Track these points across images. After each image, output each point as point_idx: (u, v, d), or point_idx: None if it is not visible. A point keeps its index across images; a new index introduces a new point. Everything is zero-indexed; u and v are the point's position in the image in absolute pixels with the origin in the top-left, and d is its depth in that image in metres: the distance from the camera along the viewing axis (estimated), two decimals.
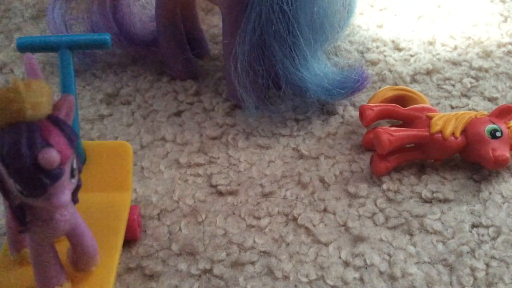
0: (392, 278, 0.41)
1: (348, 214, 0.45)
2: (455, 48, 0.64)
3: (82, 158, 0.42)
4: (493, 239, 0.43)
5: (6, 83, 0.60)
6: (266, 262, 0.42)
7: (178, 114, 0.55)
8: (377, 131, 0.47)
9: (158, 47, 0.59)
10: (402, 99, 0.54)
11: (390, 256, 0.42)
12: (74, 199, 0.33)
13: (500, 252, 0.42)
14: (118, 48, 0.61)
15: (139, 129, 0.54)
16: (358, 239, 0.43)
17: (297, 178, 0.48)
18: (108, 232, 0.39)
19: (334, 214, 0.45)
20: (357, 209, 0.46)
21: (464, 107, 0.56)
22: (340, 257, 0.42)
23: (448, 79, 0.59)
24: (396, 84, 0.59)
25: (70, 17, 0.61)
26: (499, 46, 0.64)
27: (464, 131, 0.48)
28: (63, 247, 0.36)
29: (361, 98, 0.57)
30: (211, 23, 0.68)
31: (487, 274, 0.41)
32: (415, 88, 0.57)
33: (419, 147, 0.48)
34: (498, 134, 0.47)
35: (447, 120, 0.48)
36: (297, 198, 0.47)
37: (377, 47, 0.64)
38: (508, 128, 0.48)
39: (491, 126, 0.47)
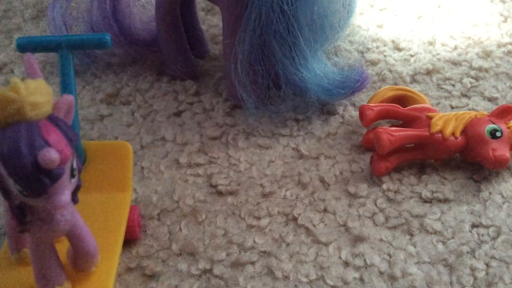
0: (392, 278, 0.41)
1: (348, 214, 0.45)
2: (455, 48, 0.64)
3: (82, 158, 0.42)
4: (493, 239, 0.43)
5: (6, 83, 0.60)
6: (266, 262, 0.42)
7: (178, 114, 0.55)
8: (377, 131, 0.47)
9: (158, 47, 0.59)
10: (402, 99, 0.54)
11: (390, 256, 0.42)
12: (74, 199, 0.33)
13: (500, 252, 0.42)
14: (118, 48, 0.61)
15: (139, 129, 0.54)
16: (358, 239, 0.43)
17: (297, 178, 0.48)
18: (108, 232, 0.39)
19: (334, 214, 0.45)
20: (357, 209, 0.46)
21: (464, 107, 0.56)
22: (340, 257, 0.42)
23: (448, 79, 0.59)
24: (396, 84, 0.59)
25: (70, 17, 0.61)
26: (499, 46, 0.64)
27: (464, 131, 0.48)
28: (63, 247, 0.36)
29: (361, 98, 0.57)
30: (211, 23, 0.68)
31: (487, 274, 0.41)
32: (415, 88, 0.57)
33: (419, 147, 0.48)
34: (498, 134, 0.47)
35: (447, 120, 0.48)
36: (297, 198, 0.47)
37: (377, 47, 0.64)
38: (508, 128, 0.48)
39: (491, 126, 0.47)
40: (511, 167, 0.49)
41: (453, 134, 0.47)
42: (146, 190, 0.48)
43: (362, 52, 0.63)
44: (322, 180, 0.48)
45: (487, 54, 0.62)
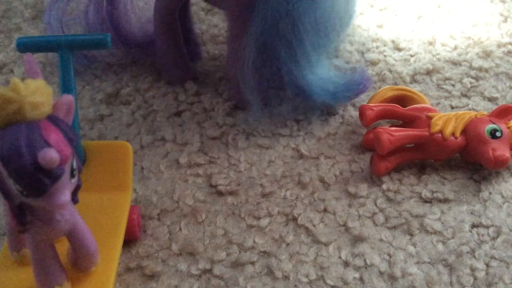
0: (392, 278, 0.41)
1: (348, 214, 0.45)
2: (455, 48, 0.64)
3: (82, 158, 0.42)
4: (493, 239, 0.43)
5: (6, 83, 0.60)
6: (266, 262, 0.42)
7: (178, 114, 0.55)
8: (377, 131, 0.47)
9: (154, 50, 0.59)
10: (402, 99, 0.54)
11: (390, 256, 0.42)
12: (74, 199, 0.33)
13: (500, 252, 0.42)
14: (115, 51, 0.61)
15: (139, 129, 0.54)
16: (358, 239, 0.43)
17: (297, 178, 0.48)
18: (108, 232, 0.39)
19: (334, 214, 0.45)
20: (357, 209, 0.46)
21: (464, 107, 0.56)
22: (340, 257, 0.42)
23: (448, 79, 0.59)
24: (396, 84, 0.59)
25: (67, 20, 0.61)
26: (499, 46, 0.64)
27: (464, 131, 0.48)
28: (63, 247, 0.36)
29: (361, 98, 0.57)
30: (211, 23, 0.68)
31: (487, 274, 0.41)
32: (415, 88, 0.57)
33: (419, 147, 0.48)
34: (498, 134, 0.47)
35: (447, 120, 0.48)
36: (297, 198, 0.47)
37: (377, 47, 0.64)
38: (508, 128, 0.48)
39: (491, 126, 0.47)
40: (511, 167, 0.49)
41: (453, 134, 0.47)
42: (146, 190, 0.48)
43: (362, 52, 0.63)
44: (322, 180, 0.48)
45: (487, 54, 0.62)
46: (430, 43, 0.65)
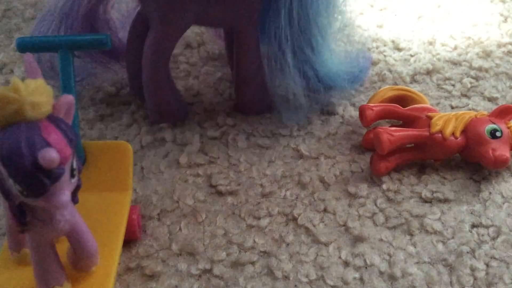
0: (392, 278, 0.41)
1: (348, 214, 0.45)
2: (455, 48, 0.64)
3: (82, 158, 0.42)
4: (493, 239, 0.43)
5: (6, 83, 0.60)
6: (266, 262, 0.42)
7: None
8: (377, 131, 0.47)
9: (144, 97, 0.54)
10: (402, 99, 0.54)
11: (390, 256, 0.42)
12: (74, 199, 0.33)
13: (500, 252, 0.42)
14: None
15: (139, 129, 0.54)
16: (358, 239, 0.43)
17: (297, 178, 0.48)
18: (108, 232, 0.39)
19: (334, 214, 0.45)
20: (357, 209, 0.46)
21: (464, 107, 0.56)
22: (340, 257, 0.42)
23: (448, 79, 0.59)
24: (396, 84, 0.59)
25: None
26: (499, 46, 0.64)
27: (464, 131, 0.48)
28: (63, 247, 0.36)
29: (361, 98, 0.57)
30: None
31: (487, 274, 0.41)
32: (415, 88, 0.57)
33: (419, 147, 0.48)
34: (498, 134, 0.47)
35: (447, 120, 0.48)
36: (297, 198, 0.47)
37: (377, 47, 0.64)
38: (508, 128, 0.48)
39: (491, 126, 0.47)
40: (511, 167, 0.49)
41: (453, 134, 0.47)
42: (146, 190, 0.48)
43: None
44: (322, 180, 0.48)
45: (487, 54, 0.62)
46: (430, 43, 0.65)
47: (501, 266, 0.41)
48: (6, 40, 0.66)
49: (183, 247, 0.43)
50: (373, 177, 0.48)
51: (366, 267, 0.42)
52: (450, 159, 0.50)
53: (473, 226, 0.44)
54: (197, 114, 0.55)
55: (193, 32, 0.66)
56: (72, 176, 0.31)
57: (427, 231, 0.44)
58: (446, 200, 0.46)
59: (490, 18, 0.69)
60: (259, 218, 0.45)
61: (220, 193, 0.47)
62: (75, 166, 0.31)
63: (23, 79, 0.29)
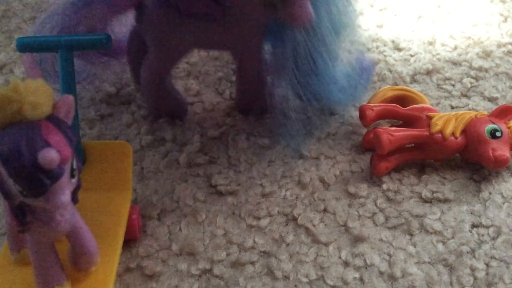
0: (392, 278, 0.41)
1: (348, 214, 0.45)
2: (455, 48, 0.64)
3: (82, 158, 0.42)
4: (493, 239, 0.43)
5: (6, 83, 0.60)
6: (266, 262, 0.42)
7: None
8: (377, 131, 0.47)
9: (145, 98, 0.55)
10: (402, 99, 0.54)
11: (390, 256, 0.42)
12: (74, 199, 0.33)
13: (500, 252, 0.42)
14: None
15: (139, 129, 0.54)
16: (358, 239, 0.43)
17: (297, 178, 0.48)
18: (108, 232, 0.39)
19: (334, 214, 0.45)
20: (357, 209, 0.46)
21: (464, 107, 0.56)
22: (340, 257, 0.42)
23: (448, 79, 0.59)
24: (396, 84, 0.59)
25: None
26: (499, 46, 0.64)
27: (464, 131, 0.48)
28: (63, 247, 0.36)
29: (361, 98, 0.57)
30: None
31: (487, 274, 0.41)
32: (415, 88, 0.57)
33: (419, 147, 0.48)
34: (498, 134, 0.47)
35: (447, 120, 0.48)
36: (297, 198, 0.47)
37: (377, 47, 0.64)
38: (508, 128, 0.48)
39: (491, 126, 0.47)
40: (511, 167, 0.49)
41: (453, 134, 0.47)
42: (146, 190, 0.48)
43: (362, 52, 0.63)
44: (322, 180, 0.48)
45: (487, 54, 0.62)
46: (430, 43, 0.65)
47: (501, 266, 0.41)
48: (6, 40, 0.66)
49: (183, 247, 0.43)
50: (373, 177, 0.48)
51: (366, 267, 0.42)
52: (450, 159, 0.50)
53: (473, 226, 0.44)
54: (197, 114, 0.55)
55: None
56: (72, 176, 0.31)
57: (427, 231, 0.44)
58: (446, 200, 0.46)
59: (490, 18, 0.69)
60: (259, 218, 0.45)
61: (220, 193, 0.47)
62: (75, 166, 0.31)
63: (23, 79, 0.29)
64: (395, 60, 0.62)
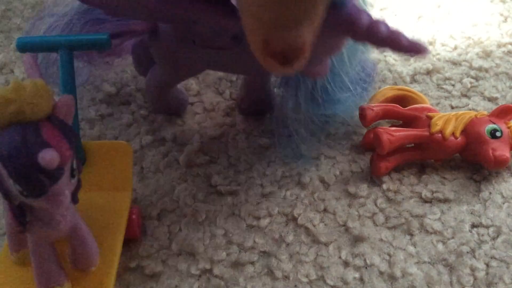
0: (392, 278, 0.41)
1: (348, 214, 0.45)
2: (455, 48, 0.64)
3: (82, 158, 0.42)
4: (493, 239, 0.43)
5: (6, 83, 0.60)
6: (266, 262, 0.42)
7: (178, 113, 0.55)
8: (377, 131, 0.47)
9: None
10: (402, 99, 0.54)
11: (390, 256, 0.42)
12: (74, 199, 0.33)
13: (500, 252, 0.42)
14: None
15: (139, 129, 0.54)
16: (358, 239, 0.43)
17: (297, 178, 0.48)
18: (108, 232, 0.39)
19: (334, 214, 0.45)
20: (357, 209, 0.46)
21: (464, 107, 0.56)
22: (340, 257, 0.42)
23: (448, 79, 0.59)
24: (396, 84, 0.59)
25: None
26: (499, 46, 0.64)
27: (464, 131, 0.48)
28: (63, 247, 0.36)
29: None
30: None
31: (487, 274, 0.41)
32: (415, 88, 0.57)
33: (419, 147, 0.48)
34: (498, 134, 0.47)
35: (447, 120, 0.48)
36: (297, 198, 0.47)
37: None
38: (508, 128, 0.48)
39: (491, 126, 0.47)
40: (511, 167, 0.49)
41: (453, 134, 0.47)
42: (146, 190, 0.48)
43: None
44: (322, 180, 0.48)
45: (487, 54, 0.62)
46: (430, 43, 0.65)
47: (501, 266, 0.41)
48: (6, 40, 0.66)
49: (183, 247, 0.43)
50: (373, 177, 0.48)
51: (366, 267, 0.42)
52: (450, 159, 0.50)
53: (473, 226, 0.44)
54: (197, 114, 0.55)
55: None
56: (72, 176, 0.31)
57: (427, 231, 0.44)
58: (446, 200, 0.46)
59: (490, 18, 0.69)
60: (259, 218, 0.45)
61: (220, 193, 0.47)
62: (75, 166, 0.31)
63: (23, 79, 0.29)
64: (395, 60, 0.62)
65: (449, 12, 0.70)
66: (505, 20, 0.68)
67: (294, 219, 0.45)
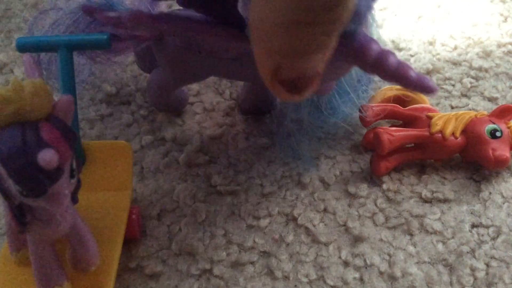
0: (392, 278, 0.41)
1: (348, 214, 0.45)
2: (455, 48, 0.64)
3: (82, 158, 0.42)
4: (493, 239, 0.43)
5: (6, 83, 0.60)
6: (266, 262, 0.42)
7: (178, 114, 0.55)
8: (377, 131, 0.47)
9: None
10: (402, 99, 0.54)
11: (390, 256, 0.42)
12: (74, 199, 0.33)
13: (500, 252, 0.42)
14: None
15: (139, 129, 0.54)
16: (358, 239, 0.43)
17: (297, 178, 0.48)
18: (108, 232, 0.39)
19: (334, 214, 0.45)
20: (357, 209, 0.46)
21: (464, 107, 0.56)
22: (340, 257, 0.42)
23: (448, 79, 0.59)
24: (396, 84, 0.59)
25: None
26: (499, 46, 0.64)
27: (464, 131, 0.48)
28: (63, 247, 0.36)
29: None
30: None
31: (487, 274, 0.41)
32: None
33: (419, 147, 0.48)
34: (498, 134, 0.47)
35: (447, 120, 0.48)
36: (297, 198, 0.47)
37: None
38: (508, 128, 0.48)
39: (491, 126, 0.47)
40: (511, 167, 0.49)
41: (453, 134, 0.47)
42: (146, 190, 0.48)
43: None
44: (322, 180, 0.48)
45: (487, 54, 0.62)
46: (430, 43, 0.65)
47: (501, 266, 0.41)
48: (6, 40, 0.66)
49: (183, 247, 0.43)
50: (373, 177, 0.48)
51: (366, 267, 0.42)
52: (450, 159, 0.50)
53: (473, 226, 0.44)
54: (197, 114, 0.55)
55: None
56: (72, 176, 0.31)
57: (427, 231, 0.44)
58: (446, 200, 0.46)
59: (490, 18, 0.69)
60: (259, 218, 0.45)
61: (220, 193, 0.47)
62: (74, 166, 0.31)
63: (23, 79, 0.29)
64: None
65: (449, 12, 0.70)
66: (505, 20, 0.68)
67: (294, 219, 0.45)
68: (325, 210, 0.46)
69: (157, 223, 0.45)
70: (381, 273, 0.41)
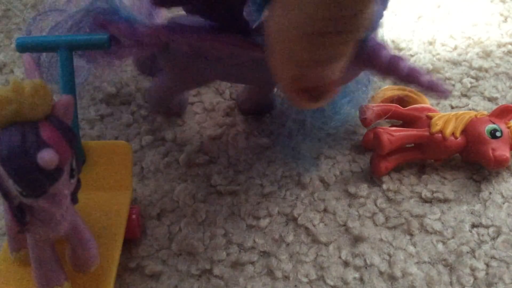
0: (392, 278, 0.41)
1: (348, 214, 0.45)
2: (455, 48, 0.64)
3: (82, 158, 0.42)
4: (493, 239, 0.43)
5: (6, 83, 0.60)
6: (266, 262, 0.42)
7: (178, 114, 0.55)
8: (377, 131, 0.47)
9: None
10: (402, 99, 0.54)
11: (390, 256, 0.42)
12: (74, 199, 0.33)
13: (500, 252, 0.42)
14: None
15: (139, 129, 0.54)
16: (358, 239, 0.43)
17: (297, 178, 0.48)
18: (108, 232, 0.39)
19: (334, 214, 0.45)
20: (357, 209, 0.46)
21: (464, 107, 0.56)
22: (340, 257, 0.42)
23: (448, 79, 0.59)
24: (396, 84, 0.59)
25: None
26: (499, 46, 0.64)
27: (464, 131, 0.48)
28: (63, 247, 0.36)
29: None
30: None
31: (487, 274, 0.41)
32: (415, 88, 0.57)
33: (419, 147, 0.48)
34: (498, 134, 0.47)
35: (447, 120, 0.48)
36: (297, 198, 0.47)
37: None
38: (508, 128, 0.48)
39: (491, 126, 0.47)
40: (511, 167, 0.49)
41: (453, 134, 0.47)
42: (146, 190, 0.48)
43: None
44: (322, 180, 0.48)
45: (487, 54, 0.62)
46: (430, 43, 0.65)
47: (501, 266, 0.41)
48: (6, 40, 0.66)
49: (183, 247, 0.43)
50: (373, 177, 0.48)
51: (366, 267, 0.42)
52: (450, 159, 0.49)
53: (473, 226, 0.44)
54: (197, 114, 0.55)
55: None
56: (72, 176, 0.31)
57: (427, 231, 0.44)
58: (446, 200, 0.46)
59: (490, 18, 0.69)
60: (259, 218, 0.45)
61: (219, 193, 0.47)
62: (74, 166, 0.31)
63: (23, 79, 0.29)
64: None
65: (449, 12, 0.70)
66: (505, 20, 0.68)
67: (294, 219, 0.45)
68: (325, 210, 0.46)
69: (157, 223, 0.45)
70: (381, 273, 0.41)
